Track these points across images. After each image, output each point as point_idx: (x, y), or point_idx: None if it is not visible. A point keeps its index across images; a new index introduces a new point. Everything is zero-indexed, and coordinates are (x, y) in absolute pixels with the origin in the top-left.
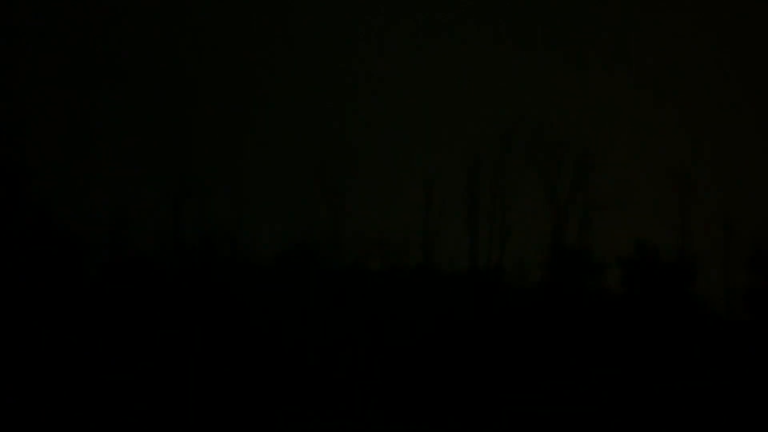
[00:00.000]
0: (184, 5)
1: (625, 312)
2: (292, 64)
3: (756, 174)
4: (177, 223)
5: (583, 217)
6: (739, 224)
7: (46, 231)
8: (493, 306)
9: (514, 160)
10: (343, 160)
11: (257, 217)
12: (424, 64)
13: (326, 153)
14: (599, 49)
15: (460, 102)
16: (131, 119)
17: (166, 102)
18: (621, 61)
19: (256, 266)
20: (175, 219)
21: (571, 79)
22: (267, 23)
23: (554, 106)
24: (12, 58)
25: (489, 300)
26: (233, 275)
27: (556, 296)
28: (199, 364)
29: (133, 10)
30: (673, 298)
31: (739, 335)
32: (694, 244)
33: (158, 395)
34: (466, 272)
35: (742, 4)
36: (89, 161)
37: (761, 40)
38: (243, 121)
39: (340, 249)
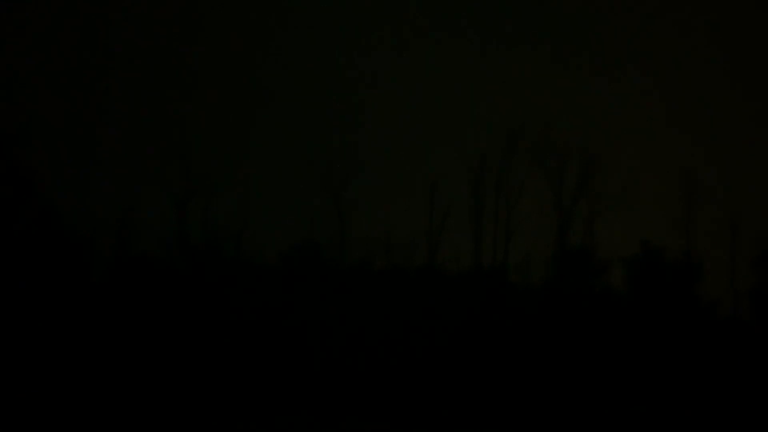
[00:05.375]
0: (190, 5)
1: (630, 312)
2: (297, 65)
3: (762, 174)
4: (182, 223)
5: (587, 217)
6: (745, 224)
7: (52, 231)
8: (497, 306)
9: (519, 161)
10: (347, 159)
11: (262, 216)
12: (429, 64)
13: (331, 153)
14: (605, 49)
15: (466, 102)
16: (136, 119)
17: (171, 102)
18: (627, 61)
19: (260, 266)
20: (180, 219)
21: (577, 79)
22: (271, 24)
23: (560, 107)
24: (16, 58)
25: (493, 300)
26: (238, 275)
27: (561, 296)
28: (205, 363)
29: (139, 10)
30: (678, 299)
31: (744, 336)
32: (700, 244)
33: (163, 394)
34: (471, 272)
35: (747, 4)
36: (94, 161)
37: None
38: (248, 121)
39: (345, 249)
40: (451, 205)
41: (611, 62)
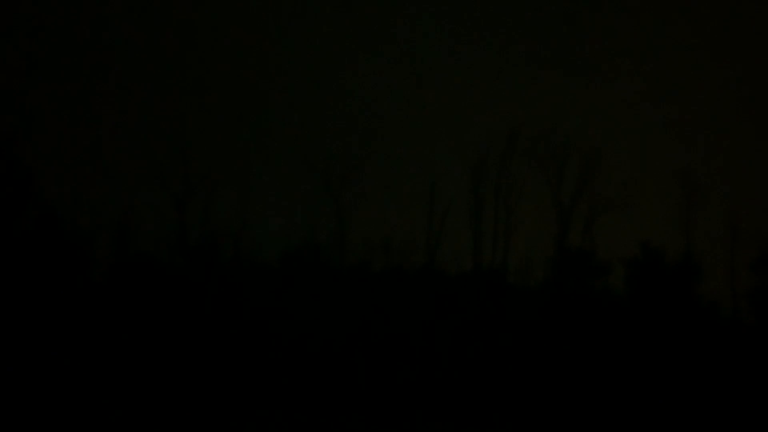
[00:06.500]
0: (191, 6)
1: (630, 313)
2: (297, 66)
3: (762, 175)
4: (182, 223)
5: (587, 218)
6: (745, 225)
7: (52, 231)
8: (497, 307)
9: (519, 161)
10: (347, 159)
11: (262, 217)
12: (428, 66)
13: (331, 153)
14: (604, 50)
15: (465, 102)
16: (136, 119)
17: (172, 102)
18: (626, 62)
19: (260, 266)
20: (180, 219)
21: (576, 80)
22: (272, 26)
23: (559, 107)
24: (15, 58)
25: (493, 301)
26: (238, 275)
27: (560, 297)
28: (204, 363)
29: (139, 11)
30: (678, 300)
31: (744, 337)
32: (699, 245)
33: (163, 394)
34: (471, 273)
35: (745, 5)
36: (94, 161)
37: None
38: (248, 121)
39: (345, 249)
40: (451, 206)
41: (611, 62)
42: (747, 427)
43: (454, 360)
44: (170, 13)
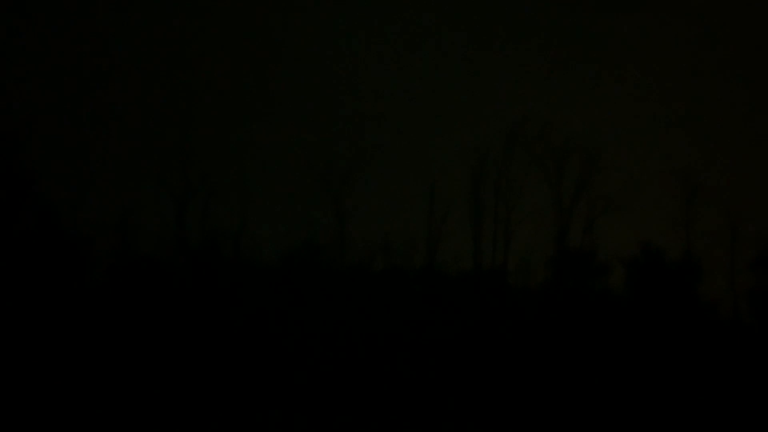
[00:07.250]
0: (191, 6)
1: (630, 313)
2: (297, 66)
3: (762, 174)
4: (181, 224)
5: (587, 218)
6: (745, 225)
7: (51, 232)
8: (497, 307)
9: (519, 161)
10: (347, 160)
11: (262, 217)
12: (428, 65)
13: (330, 153)
14: (605, 49)
15: (465, 102)
16: (135, 120)
17: (170, 103)
18: (627, 61)
19: (260, 267)
20: (180, 220)
21: (577, 79)
22: (271, 24)
23: (559, 107)
24: (14, 59)
25: (493, 301)
26: (237, 276)
27: (561, 297)
28: (204, 363)
29: (137, 11)
30: (678, 300)
31: (744, 337)
32: (699, 245)
33: (163, 394)
34: (471, 273)
35: (747, 4)
36: (93, 162)
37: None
38: (248, 121)
39: (345, 250)
40: (451, 206)
41: (611, 62)
42: (747, 426)
43: (454, 360)
44: (170, 13)
